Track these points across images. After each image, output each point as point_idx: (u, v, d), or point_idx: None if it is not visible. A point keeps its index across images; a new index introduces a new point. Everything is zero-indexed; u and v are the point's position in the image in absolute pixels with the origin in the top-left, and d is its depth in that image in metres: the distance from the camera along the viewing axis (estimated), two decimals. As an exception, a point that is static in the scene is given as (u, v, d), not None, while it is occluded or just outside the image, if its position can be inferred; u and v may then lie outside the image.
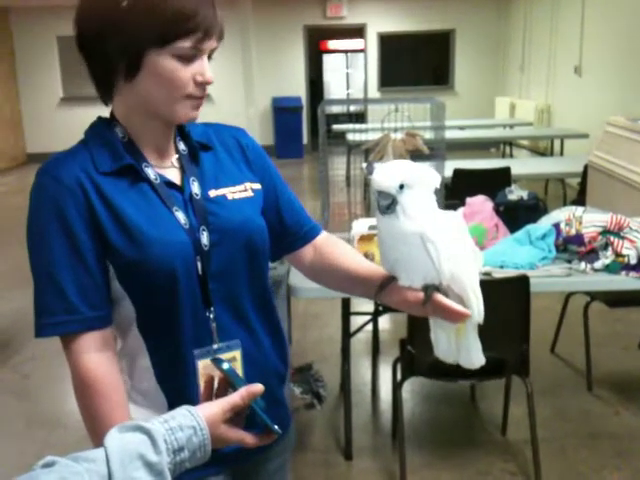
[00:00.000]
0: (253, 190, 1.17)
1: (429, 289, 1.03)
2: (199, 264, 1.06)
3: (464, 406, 3.20)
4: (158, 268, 1.02)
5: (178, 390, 1.08)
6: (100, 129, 1.09)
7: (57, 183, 1.01)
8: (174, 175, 1.11)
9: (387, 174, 1.02)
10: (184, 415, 0.83)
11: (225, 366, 0.94)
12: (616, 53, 7.14)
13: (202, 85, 1.04)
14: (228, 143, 1.20)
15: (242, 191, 1.15)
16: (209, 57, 1.05)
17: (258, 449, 1.19)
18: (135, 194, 1.05)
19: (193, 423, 0.82)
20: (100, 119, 1.11)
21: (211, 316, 1.08)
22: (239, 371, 1.11)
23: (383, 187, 1.02)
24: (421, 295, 1.03)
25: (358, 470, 2.71)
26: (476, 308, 1.06)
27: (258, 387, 0.90)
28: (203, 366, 1.07)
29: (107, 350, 1.04)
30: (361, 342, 3.73)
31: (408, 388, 3.20)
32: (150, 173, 1.07)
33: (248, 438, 0.91)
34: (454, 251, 1.03)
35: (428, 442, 2.90)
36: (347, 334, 2.81)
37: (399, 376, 2.59)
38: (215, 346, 1.09)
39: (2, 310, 4.66)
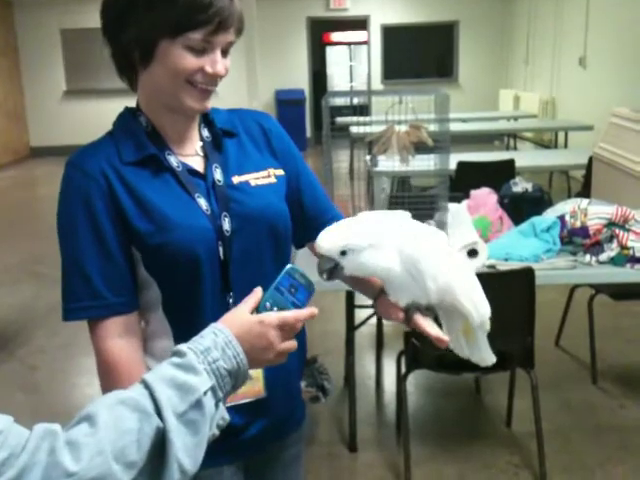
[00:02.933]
0: (276, 176, 1.17)
1: (410, 310, 1.03)
2: (221, 249, 1.08)
3: (468, 399, 3.21)
4: (181, 252, 1.04)
5: None
6: (126, 119, 1.11)
7: (82, 174, 1.04)
8: (197, 163, 1.13)
9: (330, 235, 0.97)
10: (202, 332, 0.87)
11: None
12: (621, 45, 7.10)
13: (211, 77, 1.04)
14: (252, 129, 1.20)
15: (265, 177, 1.15)
16: (225, 52, 1.05)
17: (275, 436, 1.17)
18: (158, 182, 1.07)
19: (210, 329, 0.87)
20: (127, 109, 1.13)
21: (230, 301, 1.09)
22: None
23: (323, 250, 0.97)
24: (402, 315, 1.04)
25: (362, 462, 2.72)
26: (475, 313, 1.05)
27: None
28: None
29: (131, 336, 1.07)
30: (365, 335, 3.73)
31: (412, 381, 3.21)
32: (173, 161, 1.09)
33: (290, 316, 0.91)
34: (439, 267, 1.01)
35: (432, 435, 2.90)
36: (351, 327, 2.81)
37: (403, 369, 2.60)
38: None
39: (10, 302, 4.68)
